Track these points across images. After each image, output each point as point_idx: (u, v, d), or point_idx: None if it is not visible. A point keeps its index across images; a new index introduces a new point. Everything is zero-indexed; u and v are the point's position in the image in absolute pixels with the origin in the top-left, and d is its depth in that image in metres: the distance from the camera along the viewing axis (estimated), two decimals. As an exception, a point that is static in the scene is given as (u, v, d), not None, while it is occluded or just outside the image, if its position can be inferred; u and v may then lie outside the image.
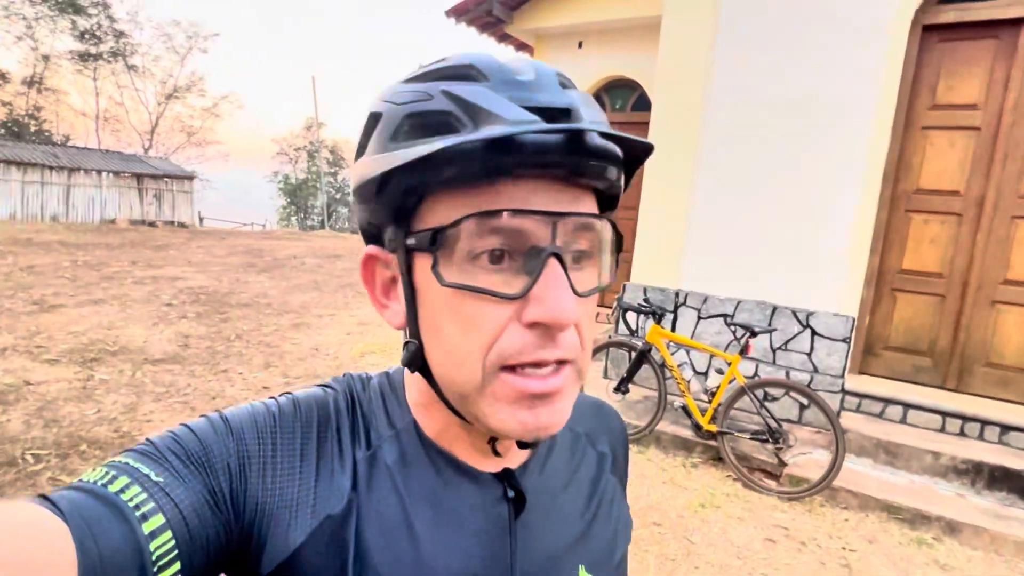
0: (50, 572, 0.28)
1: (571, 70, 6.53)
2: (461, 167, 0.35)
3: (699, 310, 4.13)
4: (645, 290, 4.29)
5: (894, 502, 2.88)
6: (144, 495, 0.34)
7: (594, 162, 0.37)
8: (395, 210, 0.38)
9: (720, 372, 3.28)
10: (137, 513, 0.32)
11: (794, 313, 3.81)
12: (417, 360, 0.40)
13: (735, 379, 3.19)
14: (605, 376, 4.40)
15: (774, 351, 3.90)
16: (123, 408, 3.49)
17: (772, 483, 3.16)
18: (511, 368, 0.37)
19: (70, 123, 22.93)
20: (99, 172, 15.16)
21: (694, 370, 4.04)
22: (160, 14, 47.33)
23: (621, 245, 0.41)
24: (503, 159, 0.34)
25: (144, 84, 23.62)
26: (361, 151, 0.40)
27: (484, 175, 0.35)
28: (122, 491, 0.33)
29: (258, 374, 4.26)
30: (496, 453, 0.45)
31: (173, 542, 0.33)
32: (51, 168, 14.23)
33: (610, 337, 4.47)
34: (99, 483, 0.34)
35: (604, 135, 0.35)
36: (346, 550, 0.39)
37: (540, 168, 0.36)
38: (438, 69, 0.38)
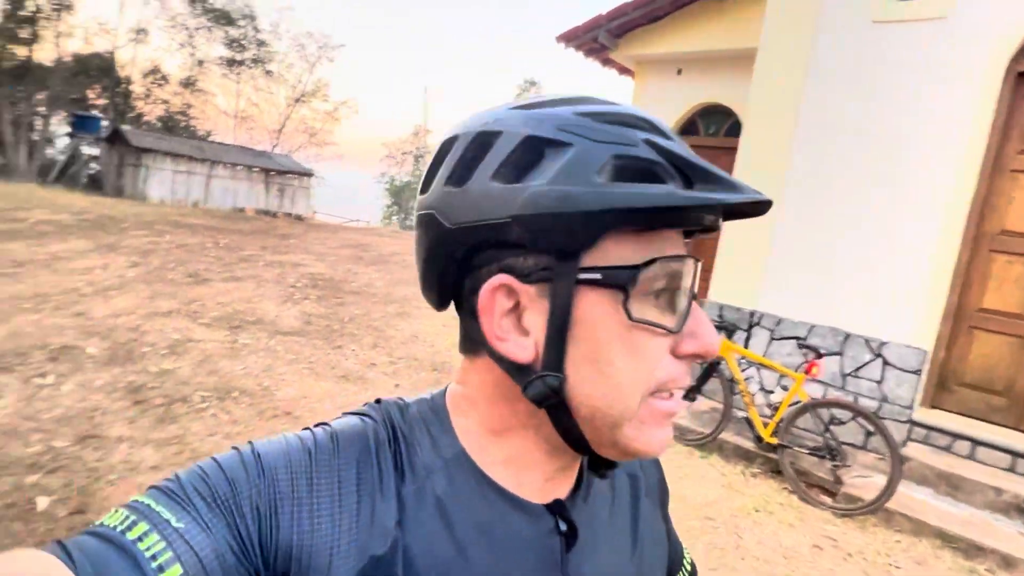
0: None
1: (669, 94, 6.84)
2: (671, 217, 0.37)
3: (772, 331, 4.32)
4: (721, 308, 4.53)
5: (950, 531, 2.96)
6: (162, 544, 0.33)
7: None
8: (570, 244, 0.37)
9: (785, 389, 3.50)
10: (153, 564, 0.32)
11: (867, 341, 3.92)
12: (556, 395, 0.39)
13: (799, 397, 3.40)
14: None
15: (844, 376, 4.02)
16: (262, 368, 4.26)
17: (827, 499, 3.33)
18: (655, 394, 0.39)
19: (213, 121, 26.01)
20: (234, 165, 17.25)
21: (761, 387, 4.24)
22: (297, 27, 52.97)
23: None
24: (707, 216, 0.39)
25: (277, 88, 26.29)
26: (518, 175, 0.38)
27: (678, 225, 0.39)
28: (139, 539, 0.33)
29: (368, 352, 4.95)
30: (602, 475, 0.46)
31: None
32: (197, 160, 16.40)
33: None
34: (117, 529, 0.34)
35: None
36: None
37: (709, 222, 0.40)
38: (619, 114, 0.39)
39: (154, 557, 0.33)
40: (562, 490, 0.47)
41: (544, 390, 0.39)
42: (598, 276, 0.37)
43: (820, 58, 4.13)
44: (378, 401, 0.47)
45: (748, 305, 4.45)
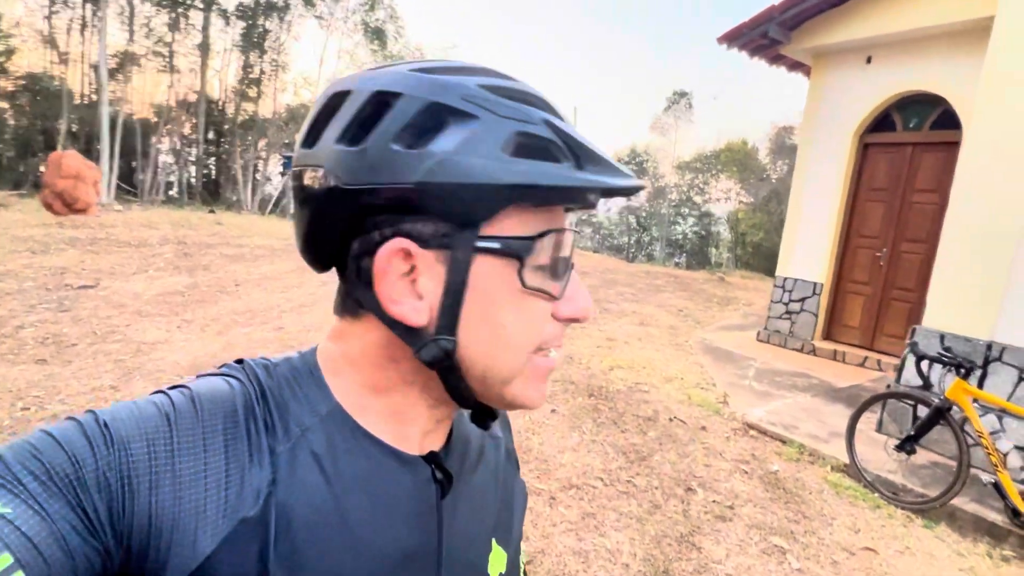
0: None
1: (856, 87, 5.93)
2: (560, 194, 0.39)
3: (1021, 370, 3.36)
4: (943, 337, 3.66)
5: None
6: None
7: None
8: (472, 214, 0.38)
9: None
10: None
11: None
12: (449, 357, 0.41)
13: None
14: (879, 430, 3.88)
15: None
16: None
17: None
18: (537, 352, 0.43)
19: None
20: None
21: (1015, 445, 3.30)
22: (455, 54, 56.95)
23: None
24: (584, 195, 0.41)
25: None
26: (420, 141, 0.37)
27: (568, 203, 0.42)
28: None
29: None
30: (484, 427, 0.49)
31: None
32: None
33: (889, 387, 3.94)
34: None
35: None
36: (267, 549, 0.37)
37: (591, 202, 0.43)
38: (520, 91, 0.41)
39: None
40: (437, 442, 0.49)
41: (438, 353, 0.40)
42: (496, 245, 0.39)
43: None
44: (239, 362, 0.46)
45: (982, 335, 3.53)
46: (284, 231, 13.42)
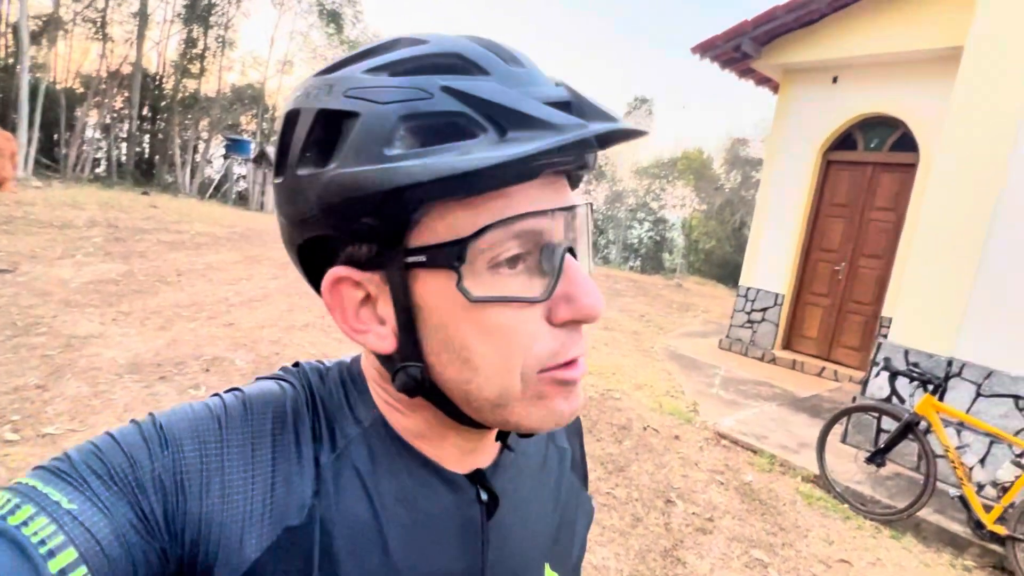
0: None
1: (822, 105, 6.12)
2: (490, 176, 0.32)
3: (979, 385, 3.52)
4: (907, 353, 3.80)
5: None
6: (52, 527, 0.30)
7: (593, 155, 0.37)
8: (385, 229, 0.33)
9: (1020, 467, 2.76)
10: (43, 549, 0.29)
11: None
12: (422, 384, 0.37)
13: (1041, 478, 2.66)
14: (845, 441, 3.99)
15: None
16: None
17: (1086, 617, 2.56)
18: (540, 370, 0.36)
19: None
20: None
21: (979, 459, 3.44)
22: None
23: (594, 225, 0.39)
24: (538, 165, 0.33)
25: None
26: (321, 158, 0.33)
27: (506, 182, 0.33)
28: (25, 524, 0.30)
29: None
30: (507, 448, 0.45)
31: None
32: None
33: (855, 399, 4.05)
34: None
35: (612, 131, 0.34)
36: (310, 562, 0.36)
37: (568, 161, 0.35)
38: (416, 58, 0.33)
39: (43, 542, 0.29)
40: (484, 459, 0.45)
41: (408, 380, 0.37)
42: (422, 258, 0.34)
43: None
44: (296, 365, 0.45)
45: (944, 351, 3.68)
46: (227, 217, 12.66)
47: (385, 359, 0.38)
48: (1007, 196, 3.49)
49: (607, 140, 0.35)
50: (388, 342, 0.37)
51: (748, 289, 6.64)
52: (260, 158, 18.02)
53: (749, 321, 6.58)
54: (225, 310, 5.36)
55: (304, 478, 0.38)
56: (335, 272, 0.36)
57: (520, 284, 0.35)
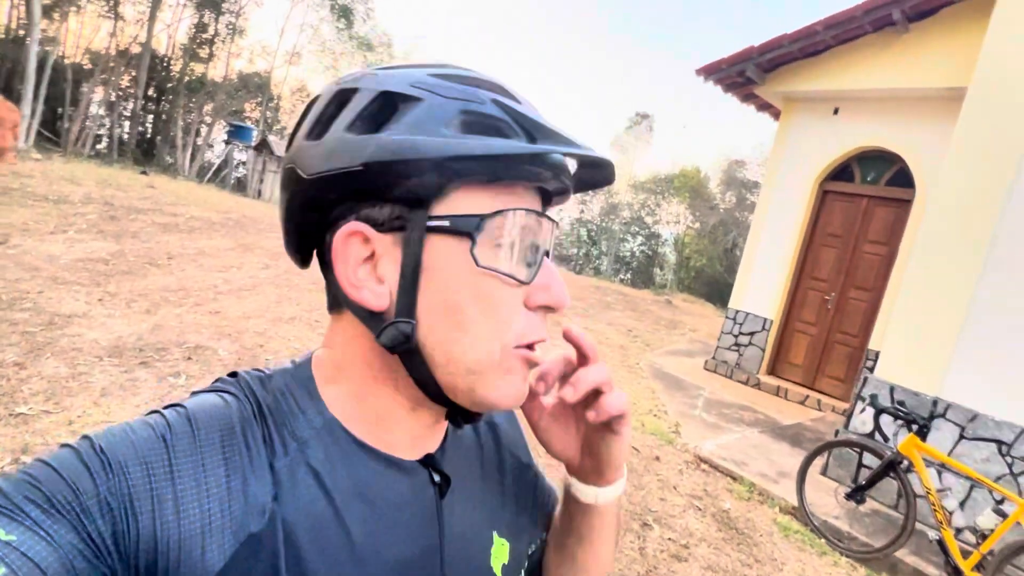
0: None
1: (822, 135, 6.16)
2: (516, 168, 0.39)
3: (962, 428, 3.53)
4: (893, 389, 3.80)
5: None
6: None
7: (573, 183, 0.45)
8: (420, 192, 0.38)
9: (1001, 514, 2.76)
10: None
11: (1109, 464, 3.05)
12: (408, 340, 0.39)
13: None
14: (825, 473, 3.98)
15: (1069, 503, 3.15)
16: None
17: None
18: (519, 347, 0.42)
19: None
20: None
21: (959, 502, 3.43)
22: (429, 54, 55.57)
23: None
24: (555, 170, 0.41)
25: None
26: (372, 127, 0.39)
27: (525, 179, 0.40)
28: None
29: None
30: (459, 425, 0.48)
31: None
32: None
33: (837, 433, 4.05)
34: None
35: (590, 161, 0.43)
36: (277, 564, 0.37)
37: (559, 183, 0.43)
38: (470, 77, 0.41)
39: None
40: (432, 444, 0.48)
41: (396, 335, 0.40)
42: (446, 223, 0.38)
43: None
44: (233, 375, 0.45)
45: (930, 390, 3.69)
46: (224, 203, 12.57)
47: (372, 317, 0.41)
48: (1002, 235, 3.52)
49: (586, 182, 0.46)
50: (383, 300, 0.40)
51: (737, 312, 6.65)
52: (261, 146, 17.94)
53: (736, 344, 6.58)
54: (213, 297, 5.30)
55: (261, 484, 0.39)
56: (351, 226, 0.40)
57: (511, 267, 0.40)
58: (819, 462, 3.98)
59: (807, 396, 5.94)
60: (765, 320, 6.43)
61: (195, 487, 0.37)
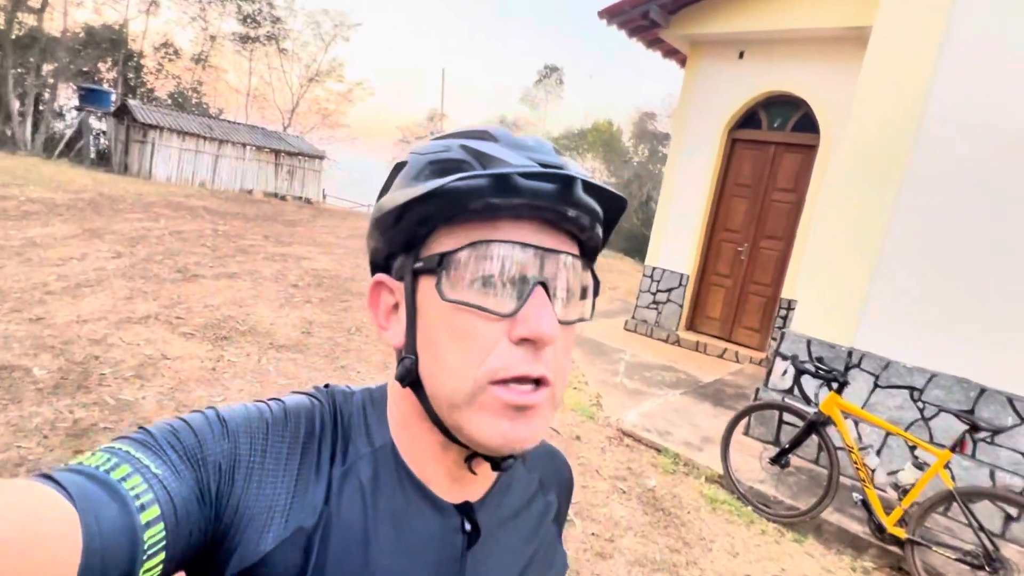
0: (58, 549, 0.29)
1: (727, 81, 5.95)
2: (468, 201, 0.40)
3: (876, 376, 3.47)
4: (809, 343, 3.69)
5: None
6: (144, 486, 0.34)
7: (576, 212, 0.42)
8: (408, 239, 0.43)
9: (920, 467, 2.67)
10: (137, 503, 0.33)
11: (1010, 401, 3.07)
12: (411, 374, 0.43)
13: (941, 480, 2.57)
14: (748, 433, 3.86)
15: (975, 442, 3.17)
16: (248, 396, 3.50)
17: (976, 619, 2.51)
18: (498, 383, 0.40)
19: (225, 98, 25.23)
20: (244, 145, 16.50)
21: (877, 453, 3.38)
22: (313, 3, 49.87)
23: (598, 289, 0.46)
24: (503, 196, 0.40)
25: (291, 67, 25.38)
26: (385, 191, 0.46)
27: (488, 212, 0.40)
28: (124, 479, 0.34)
29: (375, 375, 4.18)
30: (472, 471, 0.47)
31: (163, 533, 0.34)
32: (205, 138, 15.68)
33: (759, 393, 3.92)
34: (101, 469, 0.34)
35: (586, 189, 0.42)
36: (307, 561, 0.40)
37: (534, 210, 0.41)
38: (459, 132, 0.46)
39: (137, 496, 0.34)
40: (474, 492, 0.50)
41: (402, 370, 0.44)
42: (422, 264, 0.42)
43: (957, 40, 3.23)
44: (326, 386, 0.50)
45: (844, 341, 3.60)
46: (76, 180, 10.77)
47: (398, 353, 0.46)
48: (910, 178, 3.40)
49: (611, 213, 0.48)
50: (399, 338, 0.45)
51: (654, 269, 6.49)
52: (122, 112, 15.55)
53: (655, 302, 6.44)
54: (38, 299, 4.30)
55: (319, 486, 0.43)
56: (376, 277, 0.47)
57: (492, 302, 0.40)
58: (742, 424, 3.85)
59: (725, 349, 5.92)
60: (682, 276, 6.30)
61: (275, 469, 0.42)
